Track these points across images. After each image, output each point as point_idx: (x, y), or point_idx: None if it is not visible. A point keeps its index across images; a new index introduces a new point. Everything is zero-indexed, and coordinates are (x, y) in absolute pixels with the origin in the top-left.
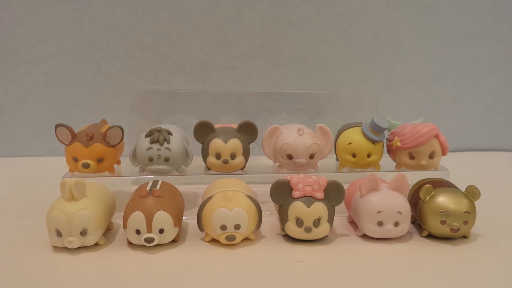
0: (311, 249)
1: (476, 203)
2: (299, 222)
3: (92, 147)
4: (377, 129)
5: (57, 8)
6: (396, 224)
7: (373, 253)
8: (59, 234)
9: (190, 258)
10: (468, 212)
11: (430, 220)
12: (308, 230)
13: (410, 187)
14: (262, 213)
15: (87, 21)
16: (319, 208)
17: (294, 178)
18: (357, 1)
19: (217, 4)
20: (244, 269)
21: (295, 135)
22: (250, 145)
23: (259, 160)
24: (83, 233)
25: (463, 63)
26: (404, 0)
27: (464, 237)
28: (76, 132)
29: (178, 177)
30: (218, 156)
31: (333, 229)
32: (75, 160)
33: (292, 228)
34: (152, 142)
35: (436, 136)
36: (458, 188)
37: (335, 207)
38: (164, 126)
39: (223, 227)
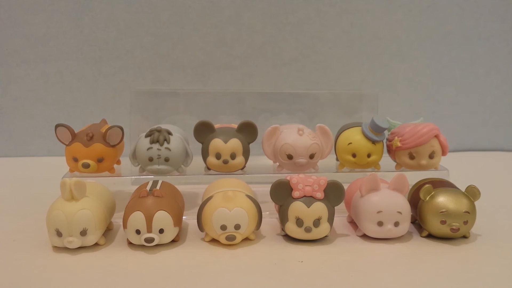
0: (311, 249)
1: (476, 203)
2: (299, 222)
3: (92, 147)
4: (377, 129)
5: (57, 8)
6: (396, 224)
7: (373, 253)
8: (59, 234)
9: (190, 258)
10: (468, 212)
11: (430, 220)
12: (308, 230)
13: (410, 187)
14: (262, 213)
15: (87, 21)
16: (319, 208)
17: (294, 178)
18: (357, 1)
19: (217, 4)
20: (244, 269)
21: (295, 135)
22: (250, 145)
23: (259, 160)
24: (83, 233)
25: (463, 63)
26: (404, 0)
27: (464, 237)
28: (76, 132)
29: (178, 177)
30: (218, 156)
31: (333, 229)
32: (75, 160)
33: (292, 228)
34: (152, 142)
35: (436, 136)
36: (458, 188)
37: (335, 207)
38: (164, 126)
39: (223, 227)
